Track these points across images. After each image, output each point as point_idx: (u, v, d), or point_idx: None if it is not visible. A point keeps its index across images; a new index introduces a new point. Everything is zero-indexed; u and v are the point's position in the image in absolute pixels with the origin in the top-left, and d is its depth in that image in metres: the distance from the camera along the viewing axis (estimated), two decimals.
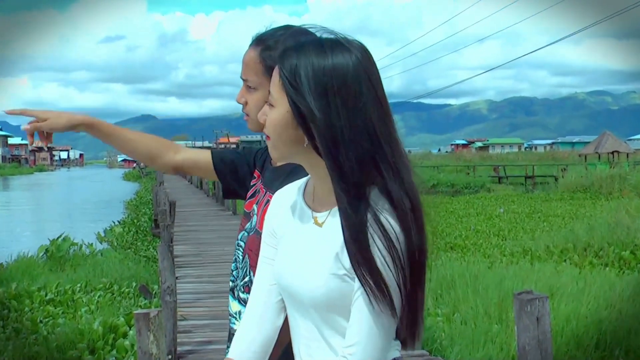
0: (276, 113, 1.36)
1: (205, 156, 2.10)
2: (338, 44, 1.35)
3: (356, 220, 1.28)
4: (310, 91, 1.30)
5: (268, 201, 1.85)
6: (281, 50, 1.38)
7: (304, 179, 1.50)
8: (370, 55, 1.36)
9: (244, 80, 1.87)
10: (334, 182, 1.31)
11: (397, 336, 1.38)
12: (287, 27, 1.85)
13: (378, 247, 1.27)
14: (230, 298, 1.96)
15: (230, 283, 1.97)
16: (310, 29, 1.68)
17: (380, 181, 1.31)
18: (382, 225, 1.28)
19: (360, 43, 1.37)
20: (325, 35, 1.39)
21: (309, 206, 1.44)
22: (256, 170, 2.02)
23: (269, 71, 1.76)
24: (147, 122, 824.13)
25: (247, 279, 1.89)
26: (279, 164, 1.86)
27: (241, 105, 1.92)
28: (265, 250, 1.53)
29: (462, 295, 7.75)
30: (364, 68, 1.33)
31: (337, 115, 1.30)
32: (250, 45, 1.86)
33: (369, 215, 1.29)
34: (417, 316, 1.33)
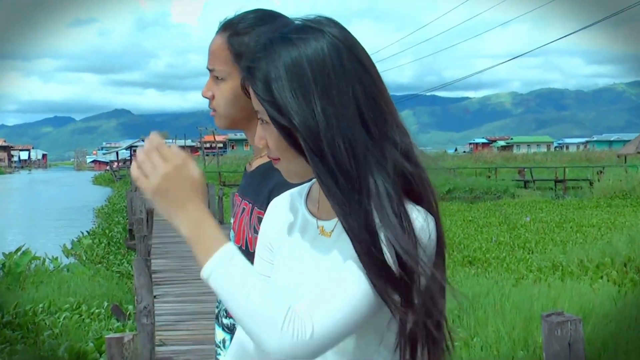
0: (271, 131, 1.35)
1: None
2: (305, 28, 1.33)
3: (362, 238, 1.26)
4: (287, 97, 1.28)
5: (244, 210, 1.87)
6: (245, 64, 1.35)
7: (306, 184, 1.48)
8: (347, 30, 1.34)
9: (210, 70, 1.90)
10: (327, 195, 1.29)
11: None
12: (257, 11, 1.87)
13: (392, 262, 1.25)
14: (215, 325, 1.97)
15: (216, 309, 1.98)
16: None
17: (381, 180, 1.29)
18: (403, 233, 1.26)
19: (330, 18, 1.35)
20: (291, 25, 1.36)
21: (313, 214, 1.43)
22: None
23: (238, 59, 1.79)
24: (122, 117, 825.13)
25: None
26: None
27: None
28: (259, 266, 1.52)
29: (482, 317, 7.75)
30: (344, 42, 1.31)
31: (321, 111, 1.27)
32: (217, 32, 1.89)
33: (376, 229, 1.26)
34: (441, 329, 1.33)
